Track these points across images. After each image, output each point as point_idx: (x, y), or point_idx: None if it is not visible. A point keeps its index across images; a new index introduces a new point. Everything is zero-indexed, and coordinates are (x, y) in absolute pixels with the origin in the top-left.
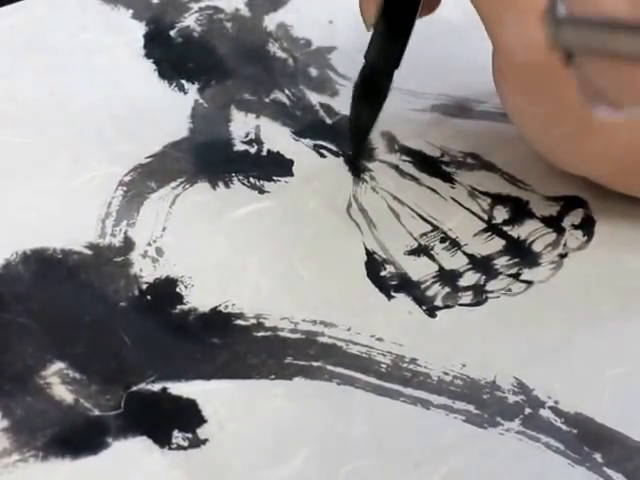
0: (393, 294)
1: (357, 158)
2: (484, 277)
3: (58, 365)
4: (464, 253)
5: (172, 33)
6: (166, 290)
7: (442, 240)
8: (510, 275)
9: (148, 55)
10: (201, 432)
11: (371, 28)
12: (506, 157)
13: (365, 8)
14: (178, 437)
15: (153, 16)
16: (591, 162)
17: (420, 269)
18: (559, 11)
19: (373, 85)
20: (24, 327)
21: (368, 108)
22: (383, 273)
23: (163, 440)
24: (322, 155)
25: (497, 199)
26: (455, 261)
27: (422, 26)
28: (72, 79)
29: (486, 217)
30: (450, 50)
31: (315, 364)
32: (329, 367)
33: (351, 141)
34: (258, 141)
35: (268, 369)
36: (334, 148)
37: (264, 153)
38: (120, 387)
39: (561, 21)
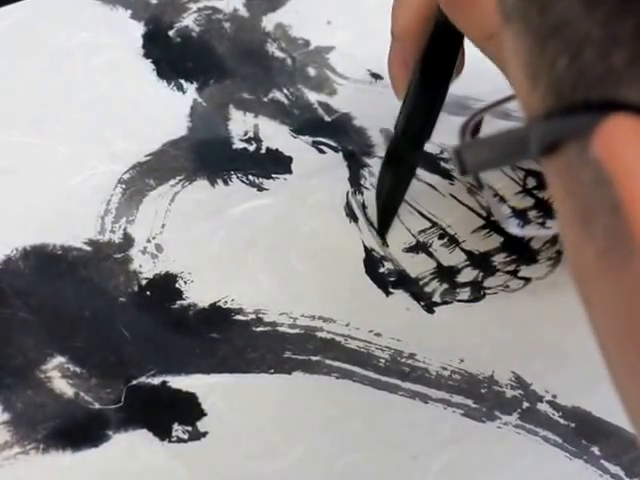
0: (391, 290)
1: (384, 231)
2: (482, 274)
3: (58, 359)
4: (462, 250)
5: (171, 33)
6: (166, 286)
7: (440, 237)
8: (508, 272)
9: (147, 55)
10: (201, 425)
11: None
12: None
13: (396, 78)
14: (178, 430)
15: (152, 16)
16: None
17: (418, 265)
18: (462, 140)
19: (402, 157)
20: (24, 322)
21: (397, 180)
22: (381, 270)
23: (163, 433)
24: (321, 151)
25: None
26: (453, 257)
27: None
28: (71, 79)
29: (484, 214)
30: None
31: (314, 358)
32: (328, 361)
33: (378, 213)
34: (257, 139)
35: (267, 363)
36: (333, 144)
37: (263, 151)
38: (120, 381)
39: (462, 147)
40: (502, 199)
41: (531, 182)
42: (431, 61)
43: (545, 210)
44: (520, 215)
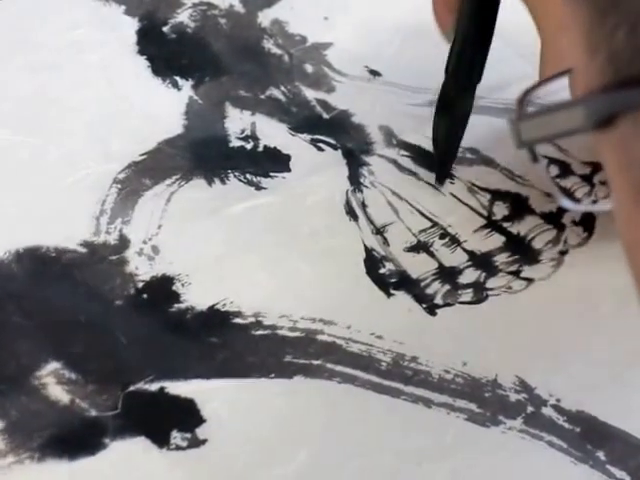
0: (393, 292)
1: (442, 181)
2: (484, 274)
3: (53, 365)
4: (464, 250)
5: (165, 29)
6: (163, 288)
7: (442, 236)
8: (510, 272)
9: (141, 51)
10: (200, 432)
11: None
12: (505, 152)
13: (441, 18)
14: (177, 437)
15: (146, 12)
16: None
17: (420, 266)
18: (519, 113)
19: (455, 100)
20: (18, 326)
21: (452, 125)
22: (382, 270)
23: (162, 440)
24: (320, 149)
25: (497, 195)
26: (455, 258)
27: (421, 22)
28: (64, 76)
29: (486, 213)
30: (449, 46)
31: (315, 362)
32: (329, 365)
33: (436, 161)
34: (254, 137)
35: (267, 368)
36: (332, 141)
37: (260, 149)
38: (117, 387)
39: (519, 120)
40: (455, 239)
41: (554, 170)
42: None
43: (521, 251)
44: (481, 262)
